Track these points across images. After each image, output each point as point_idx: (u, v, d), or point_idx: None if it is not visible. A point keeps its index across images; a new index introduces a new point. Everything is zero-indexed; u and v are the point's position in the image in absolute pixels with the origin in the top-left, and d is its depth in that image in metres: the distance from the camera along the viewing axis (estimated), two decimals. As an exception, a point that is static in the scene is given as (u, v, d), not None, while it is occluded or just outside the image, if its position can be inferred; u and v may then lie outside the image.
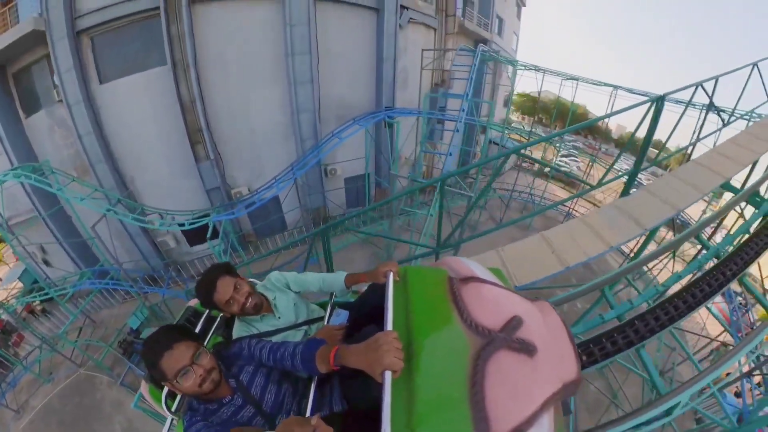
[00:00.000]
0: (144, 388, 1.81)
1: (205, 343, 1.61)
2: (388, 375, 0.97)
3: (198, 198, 11.15)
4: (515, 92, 18.34)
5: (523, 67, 14.80)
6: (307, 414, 1.35)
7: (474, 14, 15.97)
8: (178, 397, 1.48)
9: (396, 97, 12.51)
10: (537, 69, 14.47)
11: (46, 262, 12.58)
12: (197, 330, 1.90)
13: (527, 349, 0.99)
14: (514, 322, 1.05)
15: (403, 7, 12.05)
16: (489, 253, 4.53)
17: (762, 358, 3.92)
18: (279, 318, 1.89)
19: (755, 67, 7.47)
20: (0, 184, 9.35)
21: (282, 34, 10.16)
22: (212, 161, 10.66)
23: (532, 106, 42.48)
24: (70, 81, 9.77)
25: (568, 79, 14.05)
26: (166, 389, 1.49)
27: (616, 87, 13.02)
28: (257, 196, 9.70)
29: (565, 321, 1.19)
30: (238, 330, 1.84)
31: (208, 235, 8.72)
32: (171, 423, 1.50)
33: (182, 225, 9.29)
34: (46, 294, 9.97)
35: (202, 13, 9.80)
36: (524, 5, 23.42)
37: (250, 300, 1.73)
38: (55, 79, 10.01)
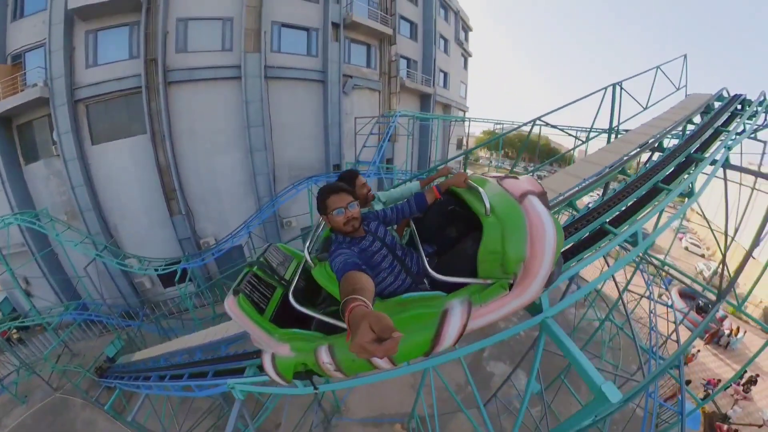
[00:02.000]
0: (231, 301, 2.43)
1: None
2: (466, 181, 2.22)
3: (172, 246, 14.07)
4: (477, 131, 22.26)
5: (452, 118, 19.97)
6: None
7: (417, 74, 19.17)
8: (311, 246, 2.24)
9: (344, 156, 15.38)
10: (464, 119, 20.65)
11: (28, 293, 14.24)
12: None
13: (515, 177, 2.09)
14: (508, 174, 2.22)
15: (347, 75, 15.08)
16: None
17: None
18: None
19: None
20: (6, 227, 12.14)
21: (240, 109, 13.07)
22: (184, 215, 13.66)
23: (497, 142, 47.60)
24: (67, 140, 12.66)
25: (497, 123, 19.58)
26: (246, 296, 2.46)
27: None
28: (223, 244, 12.59)
29: (539, 183, 2.07)
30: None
31: (176, 279, 11.76)
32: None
33: (157, 270, 12.20)
34: (31, 321, 11.84)
35: (175, 92, 12.81)
36: (470, 56, 27.39)
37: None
38: (54, 136, 12.86)
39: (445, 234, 2.25)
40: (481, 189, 1.88)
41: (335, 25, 14.36)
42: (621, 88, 8.02)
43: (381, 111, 17.02)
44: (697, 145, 4.88)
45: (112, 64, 12.43)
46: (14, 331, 13.53)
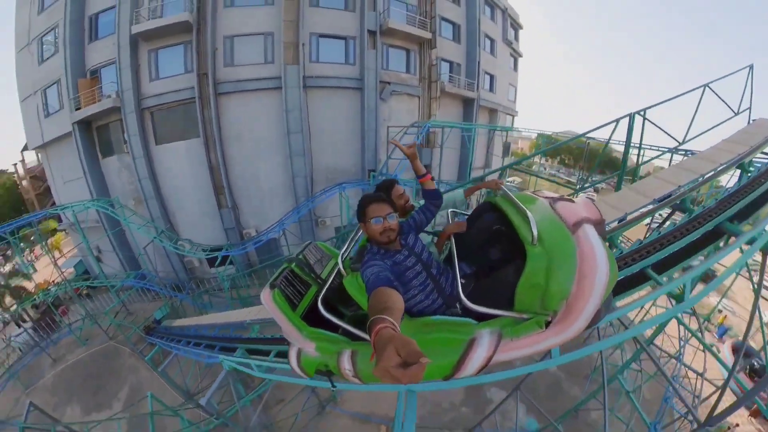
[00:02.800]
0: (266, 294, 2.61)
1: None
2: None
3: (218, 234, 16.11)
4: (535, 133, 20.76)
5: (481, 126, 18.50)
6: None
7: (460, 78, 18.62)
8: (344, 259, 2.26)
9: (380, 161, 15.83)
10: (501, 128, 19.33)
11: (99, 260, 17.86)
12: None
13: (569, 200, 1.95)
14: (563, 195, 2.11)
15: (384, 82, 15.47)
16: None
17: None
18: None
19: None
20: (86, 209, 14.54)
21: (281, 117, 14.26)
22: (230, 209, 15.47)
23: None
24: (135, 141, 14.84)
25: (539, 133, 18.54)
26: (281, 291, 2.58)
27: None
28: (264, 235, 14.21)
29: (594, 203, 1.98)
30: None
31: (217, 263, 13.63)
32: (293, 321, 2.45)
33: (204, 251, 14.19)
34: (99, 283, 15.20)
35: (225, 102, 14.32)
36: (520, 56, 25.34)
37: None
38: (125, 137, 15.12)
39: (488, 254, 2.14)
40: (529, 213, 1.76)
41: (372, 33, 14.78)
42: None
43: (420, 117, 17.11)
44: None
45: (170, 77, 14.25)
46: (85, 288, 17.24)
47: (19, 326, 15.33)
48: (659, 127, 7.63)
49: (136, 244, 16.15)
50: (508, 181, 28.46)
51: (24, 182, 28.89)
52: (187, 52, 13.85)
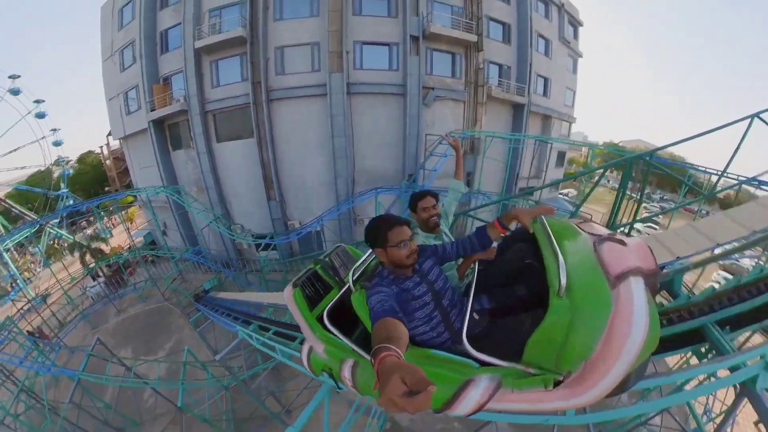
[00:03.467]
0: (288, 291, 2.74)
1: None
2: (543, 220, 1.83)
3: (266, 223, 18.07)
4: (601, 142, 19.94)
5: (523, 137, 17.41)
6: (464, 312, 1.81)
7: (510, 82, 18.02)
8: (356, 274, 2.15)
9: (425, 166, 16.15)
10: (547, 140, 17.60)
11: (165, 233, 21.96)
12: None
13: (621, 241, 1.62)
14: (613, 233, 1.76)
15: (428, 87, 15.78)
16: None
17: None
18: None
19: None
20: (157, 194, 17.09)
21: (326, 121, 15.35)
22: (277, 202, 17.20)
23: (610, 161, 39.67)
24: (200, 139, 16.95)
25: (593, 147, 16.39)
26: (302, 291, 2.65)
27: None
28: (304, 229, 15.89)
29: (650, 249, 1.68)
30: (419, 240, 2.49)
31: (261, 248, 15.51)
32: (343, 291, 2.27)
33: (252, 237, 16.36)
34: (162, 253, 18.94)
35: (276, 107, 15.76)
36: (580, 56, 23.34)
37: (436, 218, 2.56)
38: (191, 135, 17.19)
39: (513, 290, 1.90)
40: (560, 256, 1.52)
41: (414, 38, 15.08)
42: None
43: (465, 123, 17.03)
44: None
45: (229, 85, 15.97)
46: (150, 256, 20.89)
47: (94, 280, 20.10)
48: None
49: (196, 225, 18.99)
50: (561, 194, 27.09)
51: (108, 162, 35.04)
52: (242, 63, 15.36)
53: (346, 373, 2.10)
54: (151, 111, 17.46)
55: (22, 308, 16.35)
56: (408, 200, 2.66)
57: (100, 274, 20.51)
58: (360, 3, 15.02)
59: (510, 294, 1.91)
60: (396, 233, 1.90)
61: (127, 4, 17.83)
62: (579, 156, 49.55)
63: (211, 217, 16.82)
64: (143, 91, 17.51)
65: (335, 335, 2.08)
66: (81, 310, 17.80)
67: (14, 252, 25.02)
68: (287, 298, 2.75)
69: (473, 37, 15.83)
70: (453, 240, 2.49)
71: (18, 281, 20.19)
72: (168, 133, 18.76)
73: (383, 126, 16.01)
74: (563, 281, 1.43)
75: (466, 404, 1.50)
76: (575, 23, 22.55)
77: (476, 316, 1.89)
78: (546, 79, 20.38)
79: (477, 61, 16.48)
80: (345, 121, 15.32)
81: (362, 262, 2.28)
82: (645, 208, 31.34)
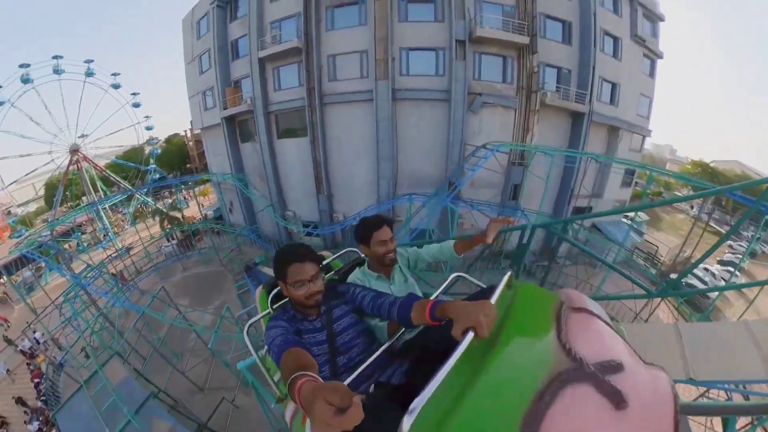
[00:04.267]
0: (258, 291, 2.69)
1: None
2: (468, 336, 1.05)
3: (314, 213, 20.16)
4: (687, 160, 17.52)
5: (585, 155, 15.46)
6: (348, 378, 1.54)
7: (570, 88, 16.65)
8: (279, 302, 2.08)
9: (465, 173, 15.96)
10: (597, 157, 15.29)
11: (230, 211, 25.71)
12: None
13: (615, 397, 0.89)
14: (613, 365, 0.99)
15: (475, 93, 15.72)
16: (663, 327, 3.98)
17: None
18: (391, 286, 2.37)
19: None
20: (224, 180, 20.23)
21: (373, 126, 16.42)
22: (325, 195, 19.06)
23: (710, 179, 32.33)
24: (263, 135, 19.38)
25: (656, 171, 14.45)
26: (273, 292, 2.19)
27: None
28: (346, 222, 17.69)
29: (677, 399, 0.97)
30: (354, 277, 2.39)
31: (305, 234, 18.21)
32: (264, 315, 2.20)
33: (303, 225, 18.72)
34: (225, 227, 22.82)
35: (328, 110, 17.31)
36: (659, 57, 20.13)
37: (392, 254, 2.30)
38: (256, 131, 19.55)
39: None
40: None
41: (460, 42, 15.10)
42: None
43: (515, 131, 16.48)
44: None
45: (288, 89, 17.91)
46: (215, 228, 24.45)
47: (168, 241, 25.26)
48: None
49: (256, 207, 22.08)
50: (626, 219, 22.64)
51: (190, 143, 42.72)
52: (299, 70, 17.02)
53: (288, 415, 1.89)
54: (224, 109, 20.22)
55: (110, 255, 21.78)
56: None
57: (174, 237, 25.50)
58: (406, 9, 15.49)
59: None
60: (295, 270, 1.72)
61: (203, 17, 20.60)
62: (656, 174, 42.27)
63: (267, 203, 19.93)
64: (218, 92, 20.37)
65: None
66: (154, 263, 22.69)
67: (109, 211, 31.58)
68: (256, 296, 2.71)
69: (524, 39, 15.26)
70: (401, 284, 2.39)
71: (110, 234, 26.54)
72: (237, 128, 21.54)
73: (427, 131, 16.55)
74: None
75: None
76: (653, 18, 19.89)
77: (371, 390, 1.68)
78: (614, 85, 18.19)
79: (530, 64, 15.77)
80: (390, 126, 16.27)
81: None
82: (729, 246, 25.81)
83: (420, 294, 2.41)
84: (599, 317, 1.27)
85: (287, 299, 1.97)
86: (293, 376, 1.10)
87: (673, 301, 14.54)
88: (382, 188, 17.51)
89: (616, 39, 17.72)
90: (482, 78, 16.01)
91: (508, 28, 15.31)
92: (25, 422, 13.14)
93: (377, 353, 1.73)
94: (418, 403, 0.87)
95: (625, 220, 22.33)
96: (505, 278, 1.41)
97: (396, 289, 2.37)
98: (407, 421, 0.84)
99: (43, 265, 20.82)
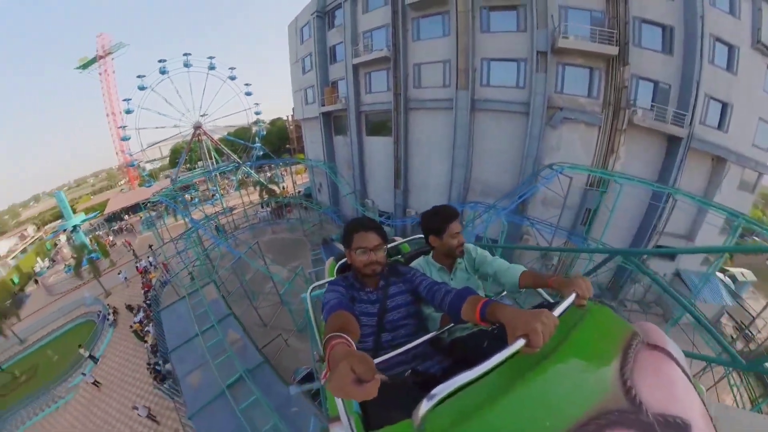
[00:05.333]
0: (329, 261, 3.14)
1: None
2: (519, 343, 0.96)
3: (390, 205, 22.75)
4: None
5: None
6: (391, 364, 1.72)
7: (668, 109, 14.60)
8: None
9: (537, 189, 15.94)
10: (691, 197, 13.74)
11: (318, 191, 30.51)
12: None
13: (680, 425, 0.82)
14: (678, 423, 0.88)
15: (555, 107, 15.68)
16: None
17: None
18: (451, 280, 2.45)
19: None
20: (316, 166, 24.81)
21: (451, 132, 17.84)
22: (401, 191, 21.31)
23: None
24: (353, 131, 22.56)
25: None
26: (340, 262, 2.59)
27: None
28: (416, 218, 19.53)
29: None
30: (417, 263, 2.54)
31: (379, 221, 21.17)
32: (329, 281, 2.46)
33: (379, 214, 22.06)
34: (312, 204, 28.28)
35: (412, 114, 19.47)
36: None
37: (462, 248, 2.37)
38: (348, 127, 22.64)
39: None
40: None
41: (542, 54, 15.07)
42: None
43: (598, 151, 15.72)
44: None
45: (377, 93, 20.50)
46: (304, 203, 29.42)
47: (262, 208, 32.02)
48: None
49: (340, 191, 25.58)
50: (725, 270, 19.37)
51: (291, 127, 51.19)
52: (388, 76, 19.23)
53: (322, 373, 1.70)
54: (322, 106, 23.69)
55: (217, 211, 28.22)
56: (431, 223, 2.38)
57: (269, 206, 31.96)
58: (488, 20, 16.14)
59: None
60: (360, 238, 1.89)
61: (305, 24, 24.38)
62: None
63: (350, 190, 23.85)
64: (317, 90, 24.03)
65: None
66: (250, 223, 30.13)
67: (218, 177, 38.65)
68: (326, 265, 2.96)
69: (612, 49, 14.27)
70: (456, 276, 2.43)
71: (218, 194, 33.81)
72: (332, 122, 25.13)
73: (504, 142, 17.27)
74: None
75: None
76: (784, 18, 15.10)
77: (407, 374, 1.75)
78: (724, 105, 15.08)
79: (621, 77, 14.71)
80: (467, 135, 17.65)
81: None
82: None
83: (482, 294, 2.30)
84: (677, 363, 1.10)
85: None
86: (332, 334, 1.18)
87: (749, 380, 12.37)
88: (454, 192, 18.99)
89: (731, 47, 14.68)
90: (565, 91, 15.64)
91: (596, 36, 14.39)
92: (133, 314, 20.91)
93: (422, 339, 1.75)
94: (441, 390, 0.85)
95: (720, 275, 18.29)
96: (573, 296, 1.28)
97: (456, 284, 2.40)
98: (425, 405, 0.84)
99: (163, 207, 30.83)
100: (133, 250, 31.93)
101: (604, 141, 15.50)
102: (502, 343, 1.01)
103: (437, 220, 2.33)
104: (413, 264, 2.53)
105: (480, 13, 16.17)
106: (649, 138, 15.43)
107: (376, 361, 1.43)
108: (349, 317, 1.48)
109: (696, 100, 14.53)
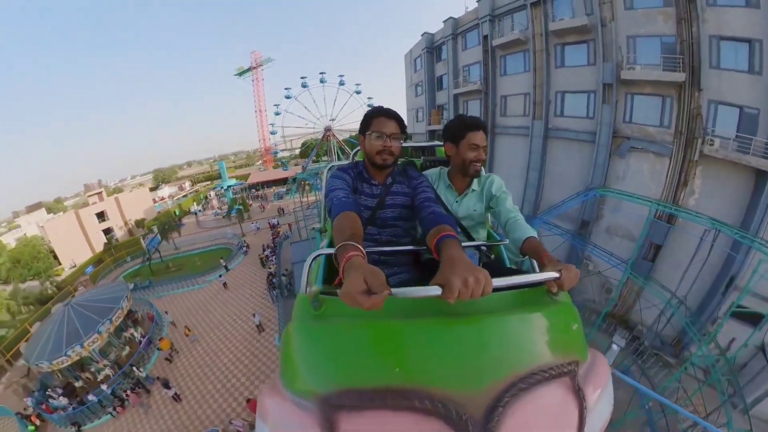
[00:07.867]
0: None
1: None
2: (431, 290, 0.99)
3: None
4: None
5: None
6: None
7: (756, 138, 12.90)
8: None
9: (600, 216, 18.29)
10: None
11: None
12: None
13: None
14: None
15: (622, 137, 16.89)
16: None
17: None
18: (455, 203, 2.34)
19: None
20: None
21: (526, 157, 21.52)
22: None
23: None
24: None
25: None
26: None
27: None
28: None
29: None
30: (431, 172, 2.50)
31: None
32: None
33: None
34: None
35: (498, 139, 23.84)
36: None
37: (479, 166, 2.19)
38: None
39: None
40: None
41: (609, 85, 16.75)
42: None
43: (668, 183, 15.52)
44: None
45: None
46: None
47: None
48: None
49: None
50: None
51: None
52: (480, 105, 24.15)
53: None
54: (429, 124, 29.86)
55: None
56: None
57: None
58: (563, 55, 19.10)
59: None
60: (380, 122, 1.91)
61: (418, 57, 31.38)
62: None
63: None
64: (425, 112, 30.36)
65: None
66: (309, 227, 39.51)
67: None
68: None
69: (678, 76, 14.17)
70: (459, 200, 2.35)
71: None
72: (435, 138, 29.90)
73: (572, 169, 19.56)
74: None
75: None
76: None
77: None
78: None
79: (694, 103, 14.14)
80: (540, 160, 21.01)
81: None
82: None
83: (483, 233, 2.40)
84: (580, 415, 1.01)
85: None
86: (347, 243, 1.22)
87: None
88: (524, 210, 22.29)
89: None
90: (633, 120, 16.54)
91: (667, 63, 14.53)
92: (263, 249, 32.25)
93: (400, 248, 1.90)
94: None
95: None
96: (550, 275, 1.20)
97: (459, 209, 2.33)
98: (316, 289, 1.16)
99: (294, 185, 41.39)
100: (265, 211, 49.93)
101: (675, 173, 15.24)
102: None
103: (457, 123, 2.23)
104: (427, 171, 2.51)
105: (555, 49, 19.36)
106: (733, 171, 13.84)
107: None
108: (356, 220, 1.52)
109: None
